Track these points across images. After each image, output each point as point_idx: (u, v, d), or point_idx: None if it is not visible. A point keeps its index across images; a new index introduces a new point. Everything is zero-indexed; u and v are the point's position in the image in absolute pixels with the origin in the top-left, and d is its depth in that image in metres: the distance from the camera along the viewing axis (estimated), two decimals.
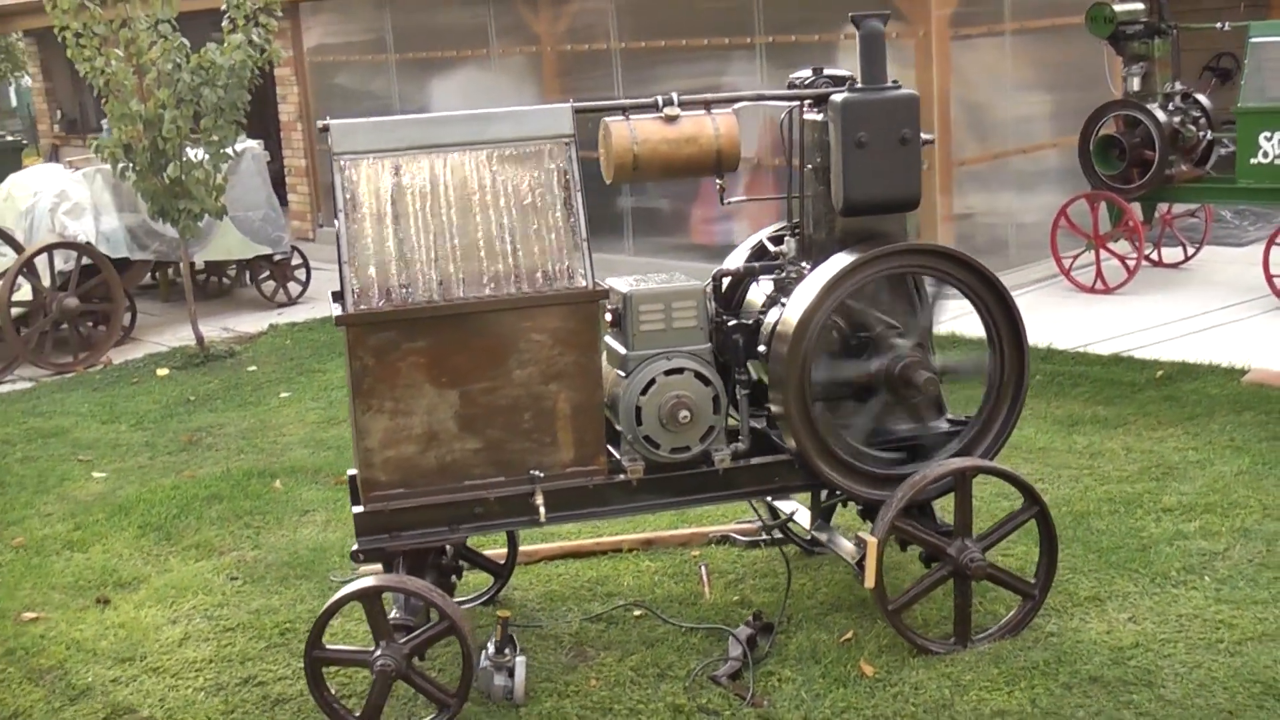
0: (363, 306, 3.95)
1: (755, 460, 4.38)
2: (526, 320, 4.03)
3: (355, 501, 4.20)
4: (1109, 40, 9.15)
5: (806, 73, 4.49)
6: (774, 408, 4.30)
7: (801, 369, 4.16)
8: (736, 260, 4.74)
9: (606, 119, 4.31)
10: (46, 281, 9.49)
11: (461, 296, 3.99)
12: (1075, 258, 9.31)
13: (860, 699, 4.07)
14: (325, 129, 4.04)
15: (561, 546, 5.32)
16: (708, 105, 4.34)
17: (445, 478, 4.07)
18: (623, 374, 4.22)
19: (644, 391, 4.18)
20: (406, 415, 3.99)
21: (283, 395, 8.21)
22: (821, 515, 4.85)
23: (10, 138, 14.65)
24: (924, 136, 4.32)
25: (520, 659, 4.19)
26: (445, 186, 4.04)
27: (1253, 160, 8.58)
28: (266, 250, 10.97)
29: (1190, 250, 9.74)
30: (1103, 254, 9.17)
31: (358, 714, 4.05)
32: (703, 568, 5.03)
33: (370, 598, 3.99)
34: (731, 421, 4.41)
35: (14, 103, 29.43)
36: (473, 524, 4.15)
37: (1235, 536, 5.01)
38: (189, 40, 8.90)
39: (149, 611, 5.04)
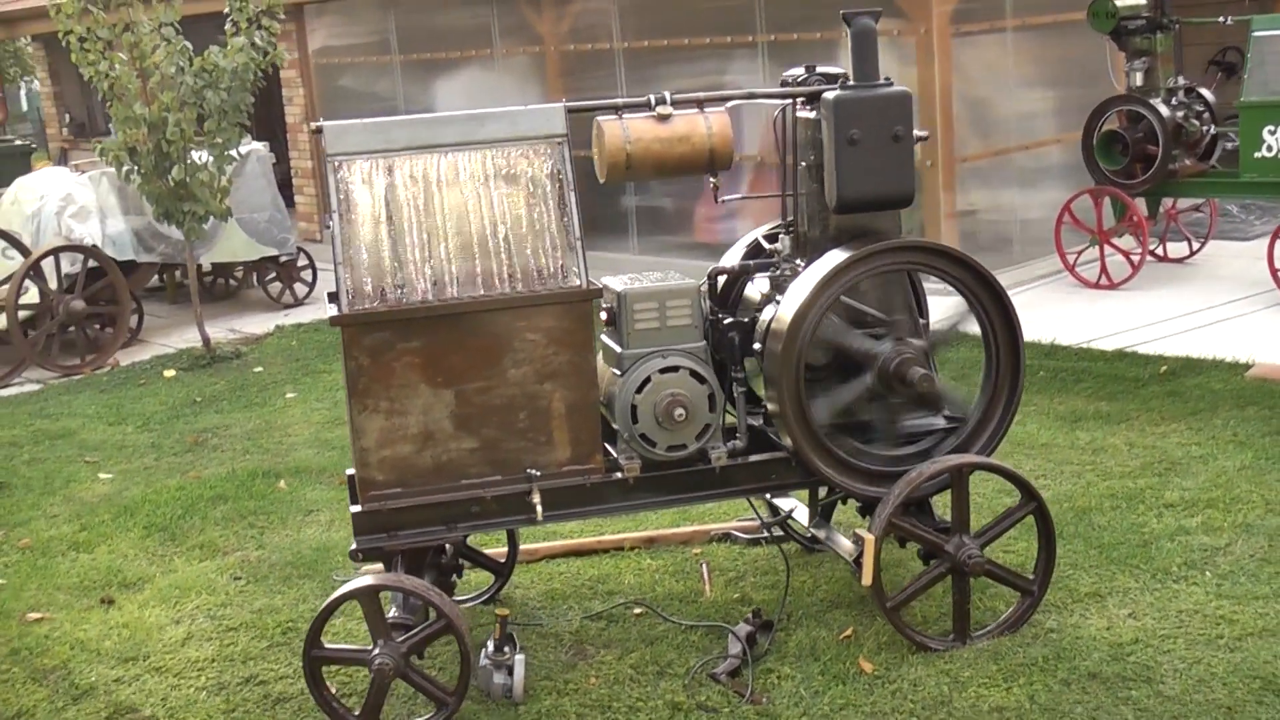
0: (358, 307, 3.96)
1: (752, 458, 4.37)
2: (521, 320, 4.03)
3: (354, 501, 4.22)
4: (1111, 35, 9.12)
5: (799, 70, 4.49)
6: (769, 405, 4.30)
7: (796, 366, 4.16)
8: (732, 258, 4.74)
9: (600, 118, 4.31)
10: (53, 284, 9.54)
11: (456, 296, 4.00)
12: (1080, 253, 9.29)
13: (859, 696, 4.07)
14: (319, 130, 4.05)
15: (563, 545, 5.33)
16: (700, 104, 4.34)
17: (442, 477, 4.08)
18: (618, 372, 4.23)
19: (639, 390, 4.18)
20: (402, 415, 4.01)
21: (288, 396, 8.23)
22: (821, 513, 4.86)
23: (18, 142, 14.71)
24: (917, 133, 4.32)
25: (519, 657, 4.21)
26: (439, 187, 4.05)
27: (1257, 154, 8.55)
28: (272, 252, 10.99)
29: (1195, 245, 9.71)
30: (1107, 249, 9.14)
31: (358, 713, 4.07)
32: (703, 565, 5.04)
33: (367, 597, 4.01)
34: (730, 419, 4.41)
35: (24, 107, 29.63)
36: (470, 523, 4.16)
37: (1237, 532, 4.99)
38: (194, 43, 8.94)
39: (153, 611, 5.07)
